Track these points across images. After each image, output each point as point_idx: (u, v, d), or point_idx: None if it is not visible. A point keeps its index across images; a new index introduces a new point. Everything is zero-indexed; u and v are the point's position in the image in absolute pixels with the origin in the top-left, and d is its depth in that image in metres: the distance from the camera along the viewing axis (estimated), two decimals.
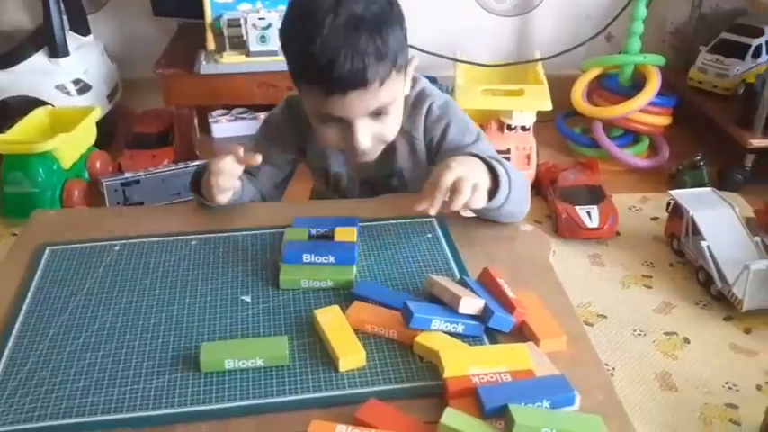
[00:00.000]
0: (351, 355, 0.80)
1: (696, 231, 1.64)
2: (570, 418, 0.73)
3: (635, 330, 1.51)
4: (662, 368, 1.41)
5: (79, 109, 1.97)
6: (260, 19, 1.87)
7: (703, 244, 1.59)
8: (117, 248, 1.03)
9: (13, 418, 0.74)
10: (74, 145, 1.87)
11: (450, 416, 0.71)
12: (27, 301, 0.92)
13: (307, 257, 0.94)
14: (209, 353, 0.80)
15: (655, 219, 1.89)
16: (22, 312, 0.90)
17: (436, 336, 0.82)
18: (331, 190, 1.23)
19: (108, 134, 2.07)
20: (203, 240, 1.03)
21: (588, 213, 1.78)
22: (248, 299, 0.92)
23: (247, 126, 2.25)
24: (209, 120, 2.22)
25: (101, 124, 2.01)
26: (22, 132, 1.86)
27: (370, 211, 1.06)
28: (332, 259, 0.94)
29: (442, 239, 1.02)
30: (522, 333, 0.83)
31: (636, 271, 1.71)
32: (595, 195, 1.85)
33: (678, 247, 1.73)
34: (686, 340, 1.49)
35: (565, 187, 1.87)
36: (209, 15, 1.94)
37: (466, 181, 0.90)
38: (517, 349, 0.80)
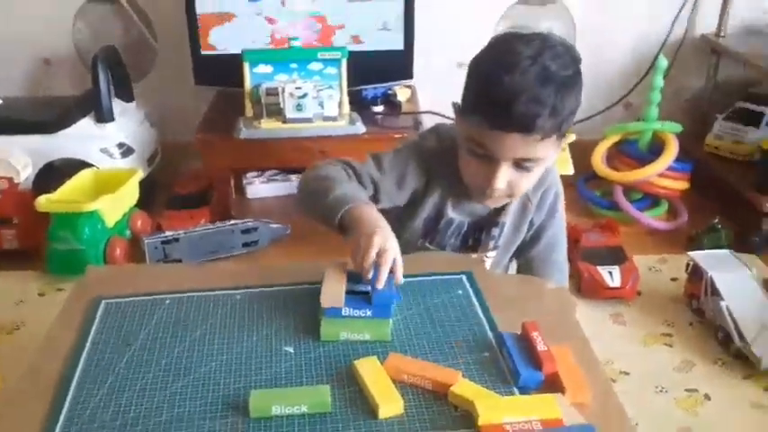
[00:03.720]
0: (390, 404, 0.86)
1: (715, 291, 1.69)
2: None
3: (657, 387, 1.54)
4: (683, 424, 1.45)
5: (122, 171, 2.08)
6: (297, 88, 1.98)
7: (722, 304, 1.64)
8: (167, 302, 1.10)
9: None
10: (117, 205, 1.97)
11: None
12: (85, 351, 0.98)
13: (346, 311, 1.01)
14: (257, 399, 0.86)
15: (674, 279, 1.94)
16: (81, 361, 0.96)
17: (470, 386, 0.88)
18: (426, 238, 1.29)
19: (148, 195, 2.16)
20: (246, 295, 1.10)
21: (610, 273, 1.84)
22: (291, 350, 0.99)
23: (279, 187, 2.35)
24: (244, 182, 2.32)
25: (142, 185, 2.11)
26: (68, 193, 1.96)
27: (404, 268, 1.12)
28: (369, 313, 1.00)
29: (472, 296, 1.09)
30: (553, 383, 0.88)
31: (656, 330, 1.75)
32: (617, 256, 1.91)
33: (697, 306, 1.78)
34: (707, 397, 1.52)
35: (587, 248, 1.93)
36: (248, 84, 2.06)
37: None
38: (546, 399, 0.86)
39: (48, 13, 2.36)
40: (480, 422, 0.82)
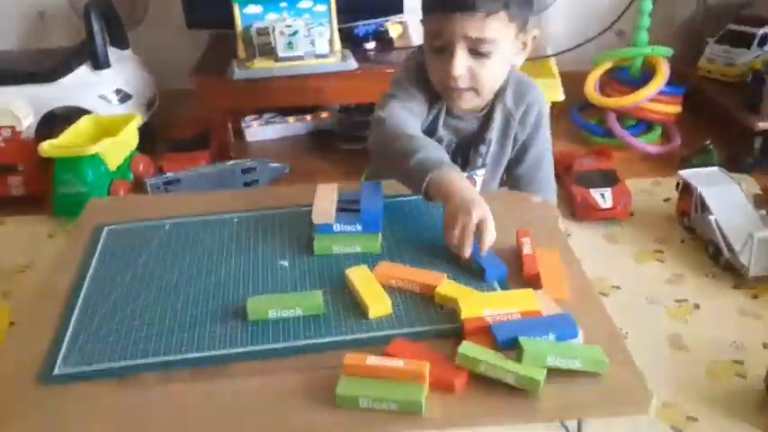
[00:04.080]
0: (378, 304, 0.92)
1: (705, 207, 1.73)
2: (574, 348, 0.83)
3: (647, 299, 1.60)
4: (672, 331, 1.50)
5: (121, 116, 2.12)
6: (287, 26, 2.01)
7: (711, 218, 1.68)
8: (167, 227, 1.15)
9: (86, 360, 0.86)
10: (118, 148, 2.01)
11: (467, 347, 0.82)
12: (90, 270, 1.04)
13: (337, 227, 1.06)
14: (254, 304, 0.92)
15: (667, 200, 1.98)
16: (87, 278, 1.02)
17: (454, 286, 0.93)
18: None
19: (148, 140, 2.21)
20: (243, 219, 1.15)
21: (602, 195, 1.88)
22: (286, 264, 1.04)
23: (277, 129, 2.38)
24: (243, 125, 2.36)
25: (141, 131, 2.15)
26: (70, 138, 2.01)
27: (391, 190, 1.16)
28: (359, 228, 1.05)
29: None
30: (534, 284, 0.94)
31: (648, 247, 1.80)
32: (609, 179, 1.95)
33: (689, 224, 1.82)
34: (696, 306, 1.58)
35: (580, 172, 1.97)
36: (239, 26, 2.08)
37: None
38: (524, 293, 0.91)
39: None
40: (463, 315, 0.87)
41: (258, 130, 2.36)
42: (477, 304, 0.89)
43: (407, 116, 1.22)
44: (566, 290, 0.93)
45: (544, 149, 1.38)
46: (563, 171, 2.02)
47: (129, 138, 2.05)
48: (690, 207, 1.80)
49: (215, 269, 1.03)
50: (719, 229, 1.66)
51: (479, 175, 1.37)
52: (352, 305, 0.93)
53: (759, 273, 1.60)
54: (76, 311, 0.95)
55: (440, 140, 1.31)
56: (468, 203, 1.00)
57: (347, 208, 1.08)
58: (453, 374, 0.80)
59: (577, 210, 1.89)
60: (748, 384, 1.35)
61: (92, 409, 0.81)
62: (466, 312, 0.87)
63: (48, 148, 1.93)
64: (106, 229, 1.16)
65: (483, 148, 1.32)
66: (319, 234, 1.05)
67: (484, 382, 0.79)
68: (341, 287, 0.96)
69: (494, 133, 1.31)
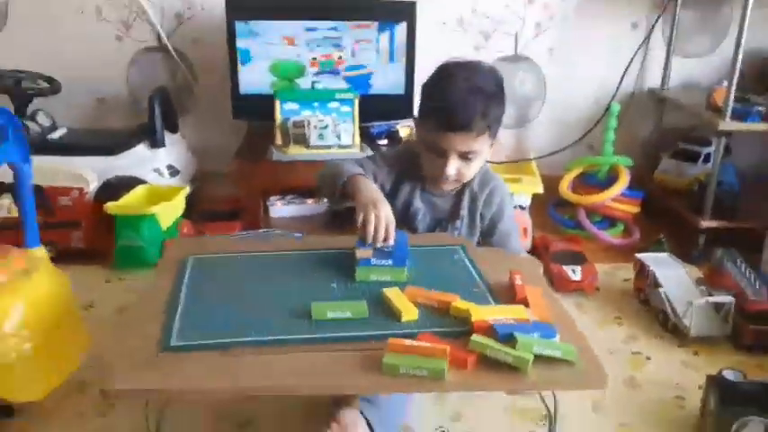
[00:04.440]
0: (408, 312, 1.26)
1: (656, 283, 2.11)
2: (553, 342, 1.18)
3: (608, 350, 1.95)
4: (628, 375, 1.84)
5: (171, 187, 2.49)
6: (319, 120, 2.44)
7: (661, 290, 2.06)
8: (239, 258, 1.51)
9: (194, 336, 1.19)
10: (170, 212, 2.36)
11: (477, 337, 1.17)
12: (184, 285, 1.37)
13: (374, 261, 1.41)
14: (317, 307, 1.26)
15: (626, 280, 2.36)
16: (183, 290, 1.34)
17: (466, 302, 1.28)
18: (405, 224, 1.67)
19: (190, 210, 2.56)
20: (298, 255, 1.51)
21: (573, 270, 2.27)
22: (335, 285, 1.39)
23: (297, 209, 2.75)
24: (268, 203, 2.74)
25: (186, 201, 2.51)
26: (129, 201, 2.37)
27: (412, 240, 1.51)
28: (390, 263, 1.41)
29: (465, 259, 1.51)
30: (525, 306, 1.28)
31: (611, 315, 2.16)
32: (579, 258, 2.34)
33: (643, 297, 2.20)
34: (648, 358, 1.93)
35: (556, 252, 2.36)
36: (278, 118, 2.51)
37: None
38: (518, 308, 1.27)
39: (106, 59, 2.83)
40: (473, 318, 1.22)
41: (281, 209, 2.73)
42: (484, 313, 1.24)
43: (358, 167, 1.60)
44: (547, 312, 1.27)
45: (510, 226, 1.74)
46: (542, 251, 2.42)
47: (178, 204, 2.42)
48: (644, 284, 2.19)
49: (281, 288, 1.36)
50: (667, 299, 2.04)
51: None
52: (388, 313, 1.27)
53: (698, 333, 1.96)
54: (178, 316, 1.26)
55: (416, 212, 1.69)
56: (376, 199, 1.42)
57: (382, 249, 1.42)
58: (466, 355, 1.14)
59: (554, 282, 2.26)
60: (687, 413, 1.69)
61: (198, 369, 1.11)
62: (475, 317, 1.23)
63: (113, 207, 2.29)
64: (191, 257, 1.50)
65: (458, 223, 1.70)
66: (360, 265, 1.41)
67: (488, 363, 1.12)
68: (378, 302, 1.30)
69: (465, 212, 1.70)
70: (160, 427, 1.24)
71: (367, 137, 2.64)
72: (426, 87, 1.60)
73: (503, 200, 1.72)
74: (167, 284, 1.37)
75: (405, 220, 1.66)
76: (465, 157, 1.56)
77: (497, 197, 1.71)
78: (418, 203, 1.69)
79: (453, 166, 1.57)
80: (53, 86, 2.54)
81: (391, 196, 1.64)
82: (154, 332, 1.20)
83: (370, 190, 1.50)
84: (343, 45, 2.66)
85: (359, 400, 1.41)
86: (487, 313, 1.24)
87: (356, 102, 2.53)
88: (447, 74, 1.55)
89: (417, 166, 1.65)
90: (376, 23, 2.64)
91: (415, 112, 1.65)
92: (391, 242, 1.41)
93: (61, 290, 1.65)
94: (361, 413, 1.39)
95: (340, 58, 2.67)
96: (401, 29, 2.64)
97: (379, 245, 1.40)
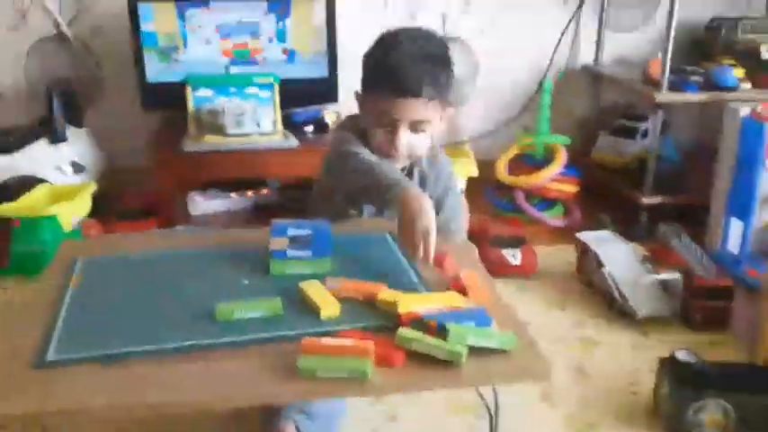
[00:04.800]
0: (329, 307, 1.11)
1: (599, 263, 2.00)
2: (489, 331, 1.04)
3: (554, 338, 1.82)
4: (577, 363, 1.72)
5: (76, 186, 2.28)
6: (236, 106, 2.25)
7: (605, 270, 1.95)
8: (136, 257, 1.32)
9: (76, 349, 1.01)
10: (73, 212, 2.15)
11: (404, 330, 1.02)
12: (69, 290, 1.19)
13: (290, 253, 1.25)
14: (222, 307, 1.10)
15: (570, 263, 2.25)
16: (67, 296, 1.17)
17: (393, 293, 1.13)
18: (350, 206, 1.54)
19: (99, 210, 2.34)
20: (204, 251, 1.33)
21: (513, 255, 2.14)
22: (247, 282, 1.23)
23: (220, 204, 2.56)
24: (187, 199, 2.54)
25: (93, 200, 2.29)
26: (28, 203, 2.15)
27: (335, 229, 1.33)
28: (309, 254, 1.25)
29: (392, 244, 1.36)
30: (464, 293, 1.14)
31: (553, 298, 2.05)
32: (518, 241, 2.22)
33: (587, 280, 2.09)
34: (596, 343, 1.82)
35: (494, 236, 2.23)
36: (191, 106, 2.31)
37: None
38: (449, 295, 1.13)
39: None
40: (400, 310, 1.07)
41: (202, 204, 2.53)
42: (412, 302, 1.10)
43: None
44: (486, 298, 1.14)
45: (456, 205, 1.63)
46: (480, 236, 2.28)
47: (83, 203, 2.21)
48: (587, 265, 2.08)
49: (185, 286, 1.19)
50: (612, 279, 1.93)
51: None
52: (306, 310, 1.12)
53: (647, 314, 1.86)
54: (62, 314, 1.10)
55: None
56: (423, 212, 1.24)
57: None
58: (394, 352, 0.99)
59: (492, 267, 2.11)
60: (640, 399, 1.58)
61: (81, 387, 0.94)
62: (402, 308, 1.08)
63: (7, 208, 2.07)
64: (79, 260, 1.31)
65: None
66: (274, 259, 1.24)
67: (419, 359, 0.99)
68: (296, 298, 1.14)
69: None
70: None
71: (290, 124, 2.47)
72: (369, 57, 1.51)
73: (450, 181, 1.64)
74: (51, 289, 1.20)
75: (353, 205, 1.54)
76: (415, 127, 1.47)
77: (445, 174, 1.63)
78: None
79: (404, 137, 1.47)
80: None
81: None
82: (27, 346, 1.02)
83: (418, 192, 1.31)
84: (260, 32, 2.48)
85: (289, 408, 1.28)
86: (417, 302, 1.10)
87: (276, 87, 2.35)
88: (392, 41, 1.47)
89: (363, 146, 1.51)
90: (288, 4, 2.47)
91: (357, 87, 1.54)
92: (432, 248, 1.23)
93: None
94: (295, 425, 1.28)
95: (255, 49, 2.49)
96: (320, 8, 2.48)
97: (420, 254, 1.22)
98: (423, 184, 1.57)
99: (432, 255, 1.21)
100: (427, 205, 1.24)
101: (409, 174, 1.57)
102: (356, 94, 1.54)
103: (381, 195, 1.34)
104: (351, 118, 1.63)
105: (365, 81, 1.51)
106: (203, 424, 1.47)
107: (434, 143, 1.60)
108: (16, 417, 0.92)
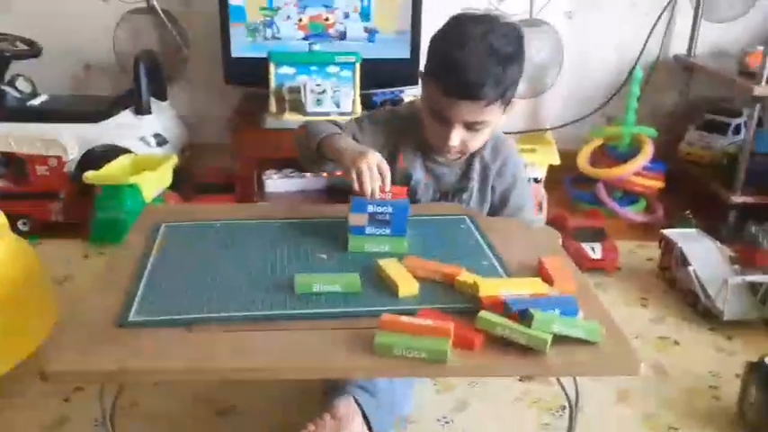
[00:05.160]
0: (407, 285, 1.09)
1: (684, 261, 1.92)
2: (575, 320, 1.00)
3: (633, 334, 1.76)
4: (655, 361, 1.66)
5: (158, 156, 2.32)
6: (317, 85, 2.25)
7: (690, 269, 1.87)
8: (218, 225, 1.33)
9: (158, 311, 1.03)
10: (155, 182, 2.19)
11: (486, 313, 0.99)
12: (152, 254, 1.20)
13: (369, 230, 1.24)
14: (301, 279, 1.09)
15: (650, 260, 2.17)
16: (150, 260, 1.18)
17: (473, 276, 1.11)
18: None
19: (179, 182, 2.38)
20: (284, 223, 1.33)
21: (593, 248, 2.08)
22: (325, 256, 1.22)
23: (294, 183, 2.57)
24: (264, 177, 2.56)
25: (174, 173, 2.33)
26: (111, 171, 2.19)
27: (413, 210, 1.30)
28: (387, 231, 1.23)
29: (473, 228, 1.33)
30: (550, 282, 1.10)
31: (634, 295, 1.98)
32: (599, 235, 2.15)
33: (670, 277, 2.01)
34: (676, 343, 1.74)
35: (573, 229, 2.17)
36: (273, 83, 2.32)
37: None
38: (534, 281, 1.09)
39: (91, 22, 2.65)
40: (481, 293, 1.04)
41: (277, 182, 2.54)
42: (494, 286, 1.06)
43: (335, 127, 1.43)
44: (572, 285, 1.10)
45: (524, 195, 1.55)
46: (558, 228, 2.21)
47: (164, 175, 2.24)
48: (671, 262, 2.00)
49: (264, 258, 1.19)
50: (697, 278, 1.85)
51: None
52: (384, 287, 1.10)
53: (733, 317, 1.77)
54: (145, 277, 1.11)
55: (417, 184, 1.47)
56: (362, 151, 1.23)
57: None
58: (473, 334, 0.97)
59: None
60: (723, 405, 1.51)
61: (161, 348, 0.95)
62: (484, 291, 1.05)
63: (92, 176, 2.12)
64: (164, 225, 1.33)
65: (466, 196, 1.49)
66: (353, 235, 1.23)
67: (499, 343, 0.96)
68: (373, 275, 1.13)
69: (474, 183, 1.49)
70: (114, 415, 1.07)
71: (370, 105, 2.45)
72: (435, 41, 1.37)
73: (517, 170, 1.53)
74: (135, 253, 1.21)
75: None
76: (471, 127, 1.36)
77: (511, 167, 1.51)
78: (419, 175, 1.48)
79: (457, 137, 1.36)
80: (33, 49, 2.36)
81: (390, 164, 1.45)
82: (112, 305, 1.04)
83: (351, 144, 1.33)
84: (335, 4, 2.45)
85: (353, 386, 1.25)
86: (498, 287, 1.07)
87: (357, 66, 2.33)
88: (460, 30, 1.32)
89: (420, 131, 1.44)
90: None
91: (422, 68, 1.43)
92: (388, 187, 1.25)
93: (22, 257, 1.50)
94: (356, 402, 1.23)
95: (327, 20, 2.46)
96: None
97: (378, 196, 1.23)
98: (484, 174, 1.49)
99: (371, 191, 1.23)
100: (364, 147, 1.30)
101: (469, 162, 1.49)
102: (420, 73, 1.43)
103: (312, 146, 1.37)
104: (411, 103, 1.55)
105: (427, 66, 1.38)
106: (272, 393, 1.48)
107: (498, 133, 1.50)
108: (99, 373, 0.93)
